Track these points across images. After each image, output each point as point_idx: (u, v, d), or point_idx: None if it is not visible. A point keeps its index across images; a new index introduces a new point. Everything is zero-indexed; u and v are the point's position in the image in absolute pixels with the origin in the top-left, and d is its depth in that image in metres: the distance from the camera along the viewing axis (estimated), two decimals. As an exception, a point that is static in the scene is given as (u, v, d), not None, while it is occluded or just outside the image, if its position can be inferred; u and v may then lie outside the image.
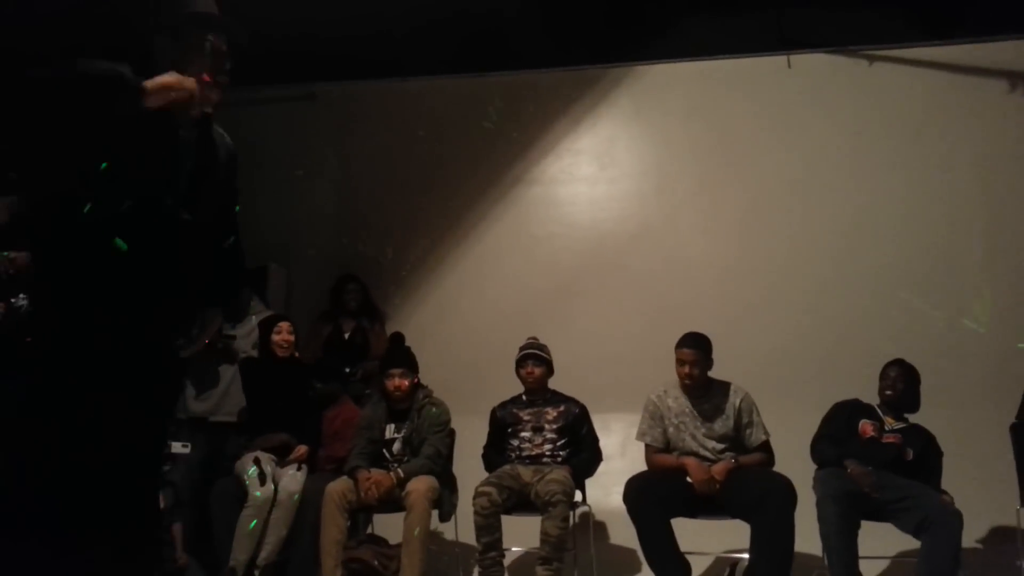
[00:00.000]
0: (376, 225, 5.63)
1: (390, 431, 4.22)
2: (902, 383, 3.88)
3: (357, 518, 4.20)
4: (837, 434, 3.84)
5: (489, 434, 4.32)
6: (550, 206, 5.56)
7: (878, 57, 5.26)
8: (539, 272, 5.40)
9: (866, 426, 3.83)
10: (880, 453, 3.73)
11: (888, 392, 3.90)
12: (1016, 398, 4.01)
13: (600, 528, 4.44)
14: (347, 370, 4.87)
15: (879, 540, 3.57)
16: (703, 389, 3.93)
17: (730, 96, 5.42)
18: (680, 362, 3.90)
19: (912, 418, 3.91)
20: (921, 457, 3.77)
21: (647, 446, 3.95)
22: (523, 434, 4.20)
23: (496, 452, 4.26)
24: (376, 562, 3.89)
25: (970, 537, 3.71)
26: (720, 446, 3.83)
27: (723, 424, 3.86)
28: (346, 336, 5.03)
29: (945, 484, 3.72)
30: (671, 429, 3.90)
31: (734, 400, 3.90)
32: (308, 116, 5.76)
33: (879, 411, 3.92)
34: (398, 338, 4.48)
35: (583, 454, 4.15)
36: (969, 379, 4.55)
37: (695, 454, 3.82)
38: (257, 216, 5.16)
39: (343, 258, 5.48)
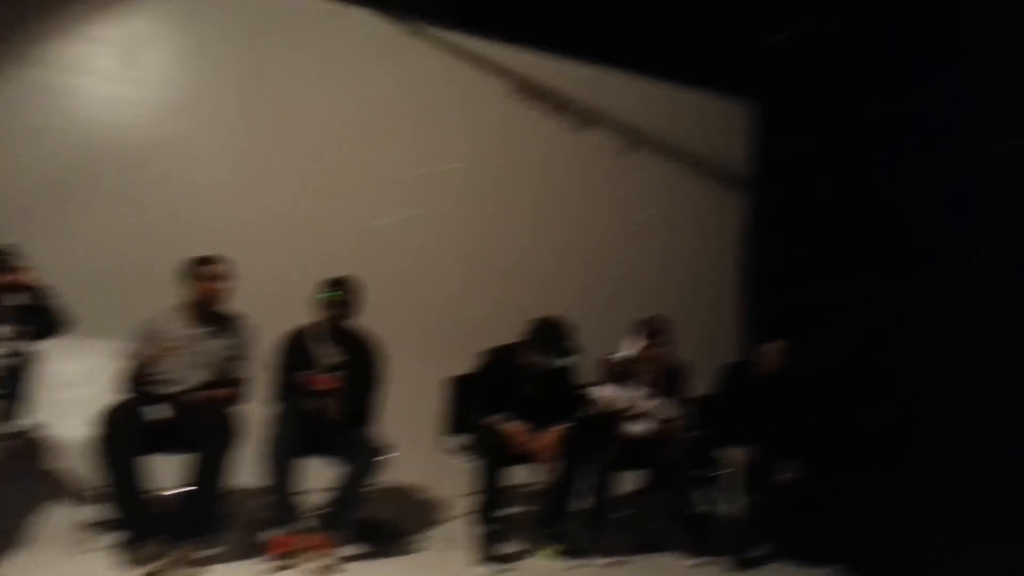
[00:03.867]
0: None
1: None
2: (341, 310, 4.08)
3: None
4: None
5: None
6: (55, 95, 4.88)
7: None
8: (28, 167, 4.73)
9: (309, 378, 3.97)
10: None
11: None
12: (466, 355, 4.57)
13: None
14: None
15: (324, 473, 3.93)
16: (214, 317, 3.94)
17: (278, 28, 5.35)
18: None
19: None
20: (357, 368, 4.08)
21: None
22: None
23: None
24: None
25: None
26: (204, 376, 3.85)
27: (217, 354, 3.89)
28: None
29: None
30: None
31: (240, 331, 3.96)
32: None
33: (316, 349, 4.07)
34: None
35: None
36: (424, 335, 5.27)
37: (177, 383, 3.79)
38: None
39: None
